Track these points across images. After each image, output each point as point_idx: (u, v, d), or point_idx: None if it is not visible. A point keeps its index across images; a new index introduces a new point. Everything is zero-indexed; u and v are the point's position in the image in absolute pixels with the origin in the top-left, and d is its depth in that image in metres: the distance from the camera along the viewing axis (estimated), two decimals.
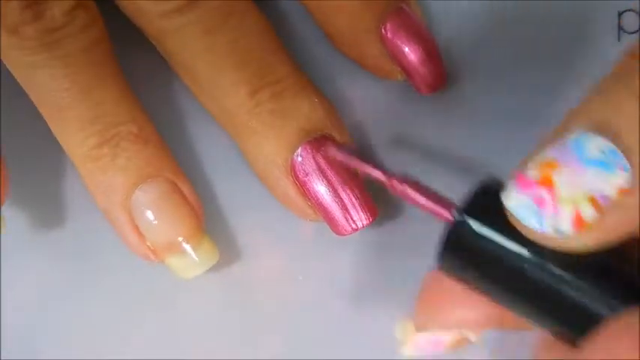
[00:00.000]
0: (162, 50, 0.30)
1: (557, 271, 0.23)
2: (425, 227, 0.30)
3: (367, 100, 0.32)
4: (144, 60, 0.31)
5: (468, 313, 0.25)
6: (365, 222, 0.29)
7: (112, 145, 0.29)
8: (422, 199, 0.25)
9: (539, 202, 0.22)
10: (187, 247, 0.29)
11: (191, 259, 0.29)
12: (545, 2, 0.32)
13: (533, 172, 0.22)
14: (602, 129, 0.22)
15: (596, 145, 0.22)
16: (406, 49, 0.29)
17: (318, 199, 0.29)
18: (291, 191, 0.29)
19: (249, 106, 0.29)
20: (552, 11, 0.32)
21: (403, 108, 0.31)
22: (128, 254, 0.30)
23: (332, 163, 0.29)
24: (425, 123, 0.31)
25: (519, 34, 0.32)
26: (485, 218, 0.23)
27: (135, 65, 0.31)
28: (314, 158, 0.29)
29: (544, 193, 0.22)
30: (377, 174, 0.26)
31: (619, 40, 0.31)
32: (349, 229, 0.29)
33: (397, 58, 0.30)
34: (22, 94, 0.30)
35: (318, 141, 0.29)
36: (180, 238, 0.29)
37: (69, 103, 0.29)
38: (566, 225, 0.22)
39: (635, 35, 0.31)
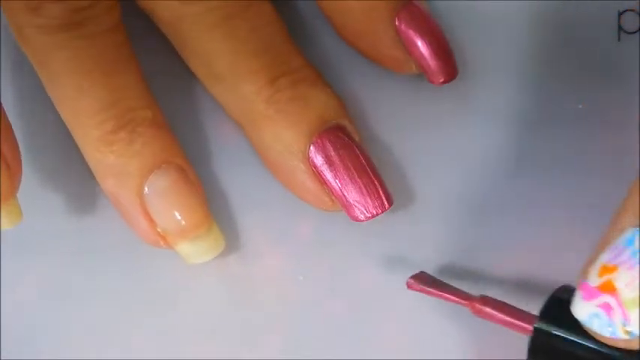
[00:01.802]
0: (178, 37, 0.30)
1: None
2: (427, 227, 0.30)
3: (374, 97, 0.32)
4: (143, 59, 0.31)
5: None
6: (382, 209, 0.29)
7: (129, 129, 0.29)
8: (502, 317, 0.26)
9: (607, 310, 0.22)
10: (199, 233, 0.29)
11: (202, 245, 0.29)
12: (546, 2, 0.32)
13: (594, 279, 0.23)
14: None
15: None
16: (419, 41, 0.30)
17: (335, 186, 0.29)
18: (309, 179, 0.29)
19: (267, 94, 0.29)
20: (552, 11, 0.32)
21: (409, 107, 0.31)
22: (128, 254, 0.30)
23: (347, 150, 0.29)
24: (429, 120, 0.31)
25: (519, 34, 0.32)
26: (562, 325, 0.24)
27: None
28: (331, 146, 0.29)
29: (610, 299, 0.22)
30: (458, 299, 0.27)
31: (619, 40, 0.31)
32: (368, 215, 0.29)
33: (410, 49, 0.30)
34: (18, 93, 0.30)
35: (334, 129, 0.29)
36: (192, 224, 0.29)
37: (90, 85, 0.28)
38: (636, 327, 0.22)
39: (635, 35, 0.31)
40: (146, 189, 0.29)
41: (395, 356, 0.29)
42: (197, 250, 0.29)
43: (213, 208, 0.30)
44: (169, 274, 0.30)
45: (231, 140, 0.31)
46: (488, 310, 0.26)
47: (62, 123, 0.31)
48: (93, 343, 0.30)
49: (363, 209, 0.29)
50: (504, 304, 0.26)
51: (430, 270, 0.29)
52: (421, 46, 0.29)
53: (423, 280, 0.28)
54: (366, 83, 0.32)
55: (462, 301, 0.27)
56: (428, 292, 0.28)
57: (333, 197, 0.29)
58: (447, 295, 0.27)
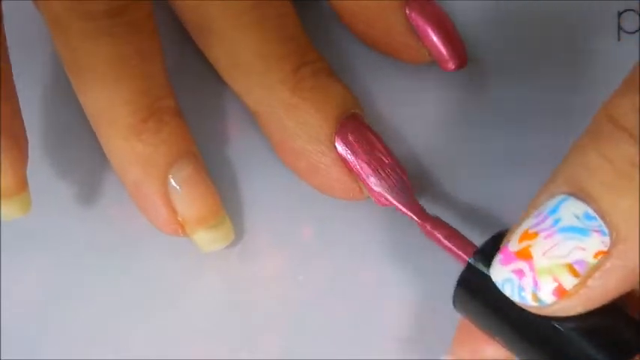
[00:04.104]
0: (201, 25, 0.30)
1: (553, 328, 0.23)
2: None
3: (378, 94, 0.32)
4: None
5: (501, 352, 0.25)
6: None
7: (156, 118, 0.29)
8: (446, 243, 0.27)
9: (519, 275, 0.23)
10: (216, 220, 0.29)
11: (218, 233, 0.30)
12: (546, 2, 0.32)
13: (514, 245, 0.23)
14: (576, 191, 0.22)
15: (571, 211, 0.22)
16: (429, 28, 0.30)
17: (362, 172, 0.29)
18: (335, 166, 0.29)
19: (292, 82, 0.29)
20: (552, 11, 0.32)
21: (413, 104, 0.32)
22: (128, 254, 0.30)
23: (370, 137, 0.29)
24: (435, 119, 0.31)
25: (519, 34, 0.32)
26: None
27: None
28: (356, 132, 0.29)
29: (523, 265, 0.22)
30: (412, 215, 0.28)
31: (619, 40, 0.31)
32: (393, 201, 0.29)
33: (421, 37, 0.30)
34: (24, 92, 0.30)
35: (355, 117, 0.29)
36: (211, 212, 0.29)
37: (126, 73, 0.29)
38: (547, 295, 0.22)
39: (635, 35, 0.31)
40: (171, 177, 0.29)
41: (395, 356, 0.29)
42: (213, 238, 0.30)
43: None
44: (170, 274, 0.30)
45: (232, 140, 0.32)
46: (436, 234, 0.27)
47: (64, 123, 0.31)
48: (93, 343, 0.30)
49: (389, 194, 0.29)
50: (454, 231, 0.27)
51: (431, 269, 0.29)
52: (432, 33, 0.30)
53: (393, 191, 0.29)
54: (370, 81, 0.32)
55: (416, 219, 0.28)
56: (390, 203, 0.29)
57: (360, 183, 0.29)
58: (404, 210, 0.28)
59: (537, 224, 0.23)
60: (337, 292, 0.30)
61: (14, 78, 0.29)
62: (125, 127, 0.29)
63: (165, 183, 0.29)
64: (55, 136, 0.31)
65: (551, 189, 0.23)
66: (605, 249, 0.22)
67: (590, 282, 0.22)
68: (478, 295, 0.24)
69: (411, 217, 0.28)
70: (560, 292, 0.22)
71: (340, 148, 0.29)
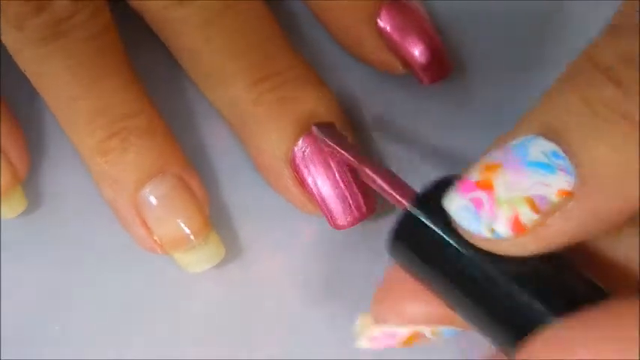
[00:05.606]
0: (168, 38, 0.30)
1: (497, 274, 0.22)
2: None
3: (370, 95, 0.32)
4: (146, 58, 0.31)
5: (424, 309, 0.25)
6: (360, 216, 0.29)
7: (121, 138, 0.29)
8: (386, 186, 0.25)
9: (477, 205, 0.22)
10: (194, 242, 0.29)
11: (198, 254, 0.29)
12: (545, 2, 0.32)
13: (475, 175, 0.22)
14: (548, 131, 0.22)
15: (539, 147, 0.21)
16: (403, 42, 0.29)
17: (314, 191, 0.29)
18: (292, 183, 0.29)
19: (250, 97, 0.29)
20: (552, 11, 0.32)
21: (406, 104, 0.31)
22: (128, 254, 0.30)
23: (329, 154, 0.28)
24: (426, 120, 0.31)
25: (518, 34, 0.32)
26: (435, 212, 0.23)
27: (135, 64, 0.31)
28: (315, 150, 0.28)
29: (483, 195, 0.22)
30: (350, 158, 0.27)
31: None
32: (347, 221, 0.29)
33: (394, 51, 0.29)
34: (20, 93, 0.30)
35: (315, 135, 0.28)
36: (187, 234, 0.29)
37: (78, 94, 0.28)
38: (504, 228, 0.21)
39: None
40: (141, 198, 0.29)
41: (396, 356, 0.29)
42: (193, 259, 0.29)
43: (213, 209, 0.30)
44: (170, 275, 0.30)
45: (231, 141, 0.31)
46: (372, 175, 0.25)
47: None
48: (93, 343, 0.30)
49: (340, 216, 0.29)
50: (392, 174, 0.25)
51: None
52: (405, 47, 0.29)
53: (328, 132, 0.28)
54: (362, 82, 0.32)
55: (354, 162, 0.27)
56: (326, 145, 0.28)
57: (314, 202, 0.29)
58: (341, 152, 0.27)
59: (503, 158, 0.22)
60: (337, 292, 0.30)
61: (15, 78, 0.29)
62: (89, 148, 0.29)
63: (135, 204, 0.29)
64: (54, 136, 0.31)
65: (523, 129, 0.22)
66: (570, 189, 0.21)
67: (549, 220, 0.21)
68: (417, 241, 0.23)
69: (350, 160, 0.27)
70: (518, 226, 0.21)
71: (298, 165, 0.29)
